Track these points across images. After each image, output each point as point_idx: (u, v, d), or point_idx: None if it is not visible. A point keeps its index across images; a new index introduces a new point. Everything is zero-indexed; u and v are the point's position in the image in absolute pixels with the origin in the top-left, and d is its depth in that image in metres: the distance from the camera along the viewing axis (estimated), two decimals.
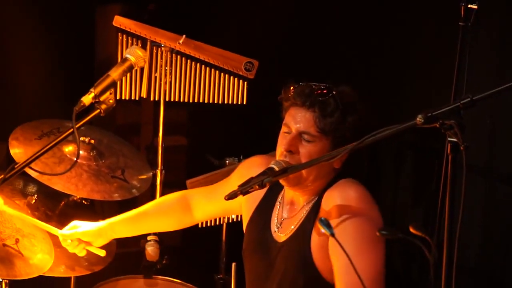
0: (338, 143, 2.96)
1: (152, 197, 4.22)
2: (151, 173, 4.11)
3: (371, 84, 4.70)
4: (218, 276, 4.28)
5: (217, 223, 4.19)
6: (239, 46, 4.04)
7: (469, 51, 3.84)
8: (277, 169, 2.92)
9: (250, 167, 3.22)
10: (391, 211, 4.99)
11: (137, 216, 3.44)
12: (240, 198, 3.14)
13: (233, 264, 3.29)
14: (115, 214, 5.20)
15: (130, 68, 2.76)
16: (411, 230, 2.33)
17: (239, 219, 4.08)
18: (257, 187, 2.88)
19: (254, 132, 4.62)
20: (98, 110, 2.66)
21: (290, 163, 2.96)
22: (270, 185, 2.90)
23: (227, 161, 4.18)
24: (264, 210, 3.20)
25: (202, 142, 5.09)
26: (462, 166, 2.47)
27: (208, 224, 4.15)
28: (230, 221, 4.19)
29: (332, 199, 2.95)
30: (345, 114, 2.96)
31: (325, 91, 2.98)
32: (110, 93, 2.68)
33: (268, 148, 3.59)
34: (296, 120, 2.99)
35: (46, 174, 3.32)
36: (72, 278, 3.86)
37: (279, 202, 3.18)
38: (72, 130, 2.61)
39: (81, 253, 3.37)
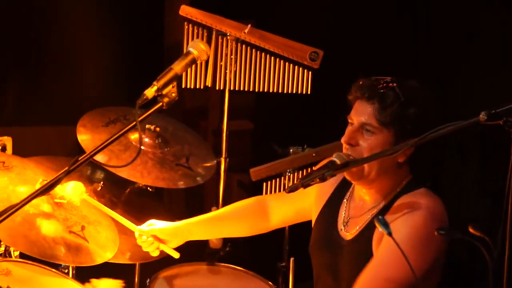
0: (400, 136, 2.93)
1: (217, 185, 4.26)
2: (215, 161, 4.14)
3: (440, 78, 4.65)
4: (281, 264, 4.29)
5: None
6: (304, 36, 4.03)
7: None
8: (338, 162, 2.92)
9: None
10: (457, 201, 4.95)
11: (214, 219, 3.47)
12: (311, 197, 3.19)
13: (291, 259, 3.29)
14: (181, 202, 5.29)
15: (193, 62, 2.77)
16: (471, 230, 2.31)
17: None
18: (318, 180, 2.87)
19: (318, 121, 4.61)
20: (161, 104, 2.68)
21: (351, 156, 2.95)
22: (330, 178, 2.89)
23: (291, 150, 4.18)
24: (332, 207, 3.19)
25: (267, 130, 5.10)
26: None
27: None
28: None
29: (403, 205, 2.92)
30: (406, 106, 2.93)
31: (385, 84, 2.96)
32: (173, 87, 2.69)
33: (332, 138, 3.60)
34: (358, 113, 2.98)
35: (109, 166, 3.35)
36: (137, 265, 3.92)
37: (347, 200, 3.16)
38: (134, 123, 2.64)
39: (155, 253, 3.39)
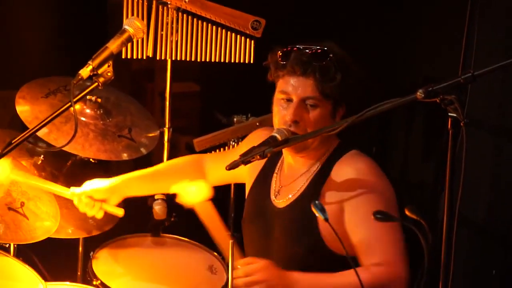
0: (338, 105, 3.02)
1: (161, 156, 4.23)
2: (159, 131, 4.10)
3: (377, 49, 4.65)
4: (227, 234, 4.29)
5: None
6: (246, 5, 3.98)
7: (480, 10, 3.78)
8: (279, 138, 2.92)
9: (259, 138, 3.20)
10: (401, 167, 4.99)
11: (150, 175, 3.48)
12: (245, 168, 3.15)
13: (230, 242, 3.30)
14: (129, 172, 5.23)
15: (129, 40, 2.74)
16: (407, 213, 2.32)
17: None
18: (258, 157, 2.89)
19: (261, 90, 4.57)
20: (96, 83, 2.65)
21: (292, 131, 2.96)
22: (271, 155, 2.90)
23: (235, 119, 4.16)
24: (263, 179, 3.23)
25: (210, 100, 5.07)
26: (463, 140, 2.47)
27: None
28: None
29: (344, 172, 2.98)
30: (346, 76, 2.98)
31: (322, 55, 2.98)
32: (108, 66, 2.66)
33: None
34: (297, 88, 2.99)
35: (47, 148, 3.29)
36: (81, 239, 3.88)
37: (277, 172, 3.20)
38: (69, 104, 2.60)
39: (99, 214, 3.35)
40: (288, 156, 3.12)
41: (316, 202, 2.29)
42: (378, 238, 2.87)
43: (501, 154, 4.27)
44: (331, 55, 2.97)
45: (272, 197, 3.15)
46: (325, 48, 2.98)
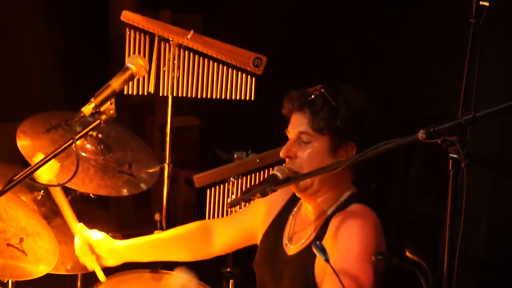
0: (337, 140, 2.95)
1: (161, 191, 4.22)
2: (159, 167, 4.10)
3: (380, 83, 4.67)
4: (225, 270, 4.27)
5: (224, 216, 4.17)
6: (248, 42, 4.01)
7: (480, 49, 3.79)
8: (280, 176, 2.92)
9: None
10: (401, 202, 5.00)
11: (155, 243, 3.47)
12: (259, 216, 3.22)
13: (231, 281, 3.33)
14: (129, 208, 5.25)
15: (131, 78, 2.74)
16: (407, 254, 2.31)
17: None
18: (259, 195, 2.87)
19: (261, 126, 4.60)
20: (98, 121, 2.65)
21: (292, 170, 2.95)
22: (271, 193, 2.89)
23: (235, 155, 4.15)
24: (279, 223, 3.18)
25: (210, 135, 5.08)
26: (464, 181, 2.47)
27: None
28: None
29: (337, 225, 2.90)
30: (337, 108, 2.93)
31: (313, 91, 2.97)
32: (111, 103, 2.66)
33: (275, 143, 3.58)
34: (293, 124, 3.00)
35: (48, 185, 3.28)
36: (79, 275, 3.87)
37: (293, 215, 3.16)
38: (72, 141, 2.60)
39: (91, 265, 3.38)
40: (304, 202, 3.10)
41: (317, 243, 2.28)
42: None
43: (500, 191, 4.29)
44: (322, 90, 2.95)
45: (285, 241, 3.11)
46: (320, 85, 2.97)
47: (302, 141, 2.97)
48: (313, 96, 2.95)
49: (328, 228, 2.92)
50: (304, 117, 2.95)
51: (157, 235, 3.48)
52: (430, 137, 2.50)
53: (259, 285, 3.20)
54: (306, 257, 2.94)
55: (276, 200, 3.19)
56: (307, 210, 3.08)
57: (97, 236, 3.39)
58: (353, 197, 3.01)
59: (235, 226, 3.39)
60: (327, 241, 2.88)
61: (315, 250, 2.28)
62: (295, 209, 3.16)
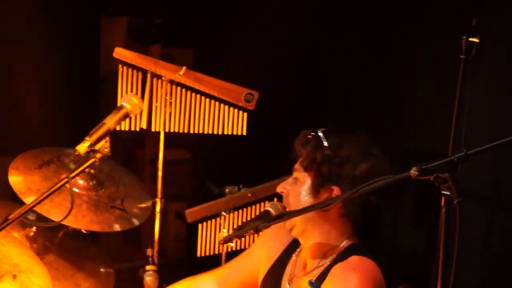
0: (318, 180, 2.94)
1: (152, 226, 4.22)
2: (151, 202, 4.11)
3: (371, 118, 4.70)
4: None
5: (216, 252, 4.18)
6: (239, 77, 4.03)
7: (470, 85, 3.83)
8: (273, 213, 2.93)
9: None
10: (392, 237, 5.00)
11: None
12: (261, 258, 3.19)
13: None
14: (119, 243, 5.23)
15: (126, 116, 2.76)
16: None
17: (238, 248, 4.10)
18: (252, 231, 2.87)
19: (253, 161, 4.62)
20: (93, 160, 2.66)
21: (286, 206, 2.97)
22: (264, 229, 2.89)
23: (226, 190, 4.17)
24: (280, 265, 3.15)
25: (201, 169, 5.10)
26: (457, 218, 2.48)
27: (207, 254, 4.14)
28: (229, 250, 4.18)
29: (338, 275, 2.87)
30: (324, 149, 2.93)
31: (314, 131, 2.99)
32: (106, 142, 2.68)
33: (267, 177, 3.60)
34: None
35: (42, 224, 3.28)
36: None
37: (295, 258, 3.13)
38: (66, 180, 2.61)
39: None
40: (304, 248, 3.08)
41: (312, 281, 2.28)
42: None
43: (493, 226, 4.30)
44: (321, 131, 2.96)
45: (284, 284, 3.08)
46: (323, 128, 2.98)
47: (295, 178, 3.00)
48: (310, 136, 2.96)
49: (327, 279, 2.89)
50: (300, 155, 2.98)
51: None
52: (422, 174, 2.51)
53: None
54: None
55: (279, 241, 3.16)
56: (307, 255, 3.06)
57: None
58: (353, 248, 2.96)
59: (236, 272, 3.31)
60: None
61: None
62: (297, 251, 3.13)
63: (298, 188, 2.97)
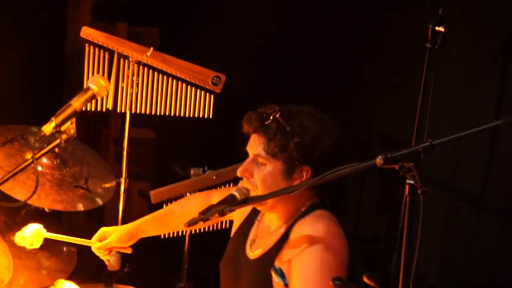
0: (290, 163, 3.00)
1: (117, 205, 4.22)
2: (115, 182, 4.10)
3: (336, 104, 4.72)
4: (180, 284, 4.29)
5: (180, 234, 4.19)
6: (207, 60, 4.03)
7: (436, 73, 3.87)
8: (238, 197, 2.95)
9: None
10: (355, 220, 5.04)
11: (164, 216, 3.56)
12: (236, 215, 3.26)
13: None
14: (81, 222, 5.22)
15: (93, 98, 2.76)
16: (365, 280, 2.35)
17: (202, 231, 4.12)
18: (217, 215, 2.90)
19: (219, 144, 4.63)
20: (59, 140, 2.66)
21: (250, 188, 2.99)
22: (229, 213, 2.92)
23: (192, 171, 4.17)
24: (245, 227, 3.25)
25: (166, 149, 5.08)
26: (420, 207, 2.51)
27: (171, 235, 4.15)
28: (193, 232, 4.20)
29: (301, 231, 2.97)
30: (290, 135, 2.97)
31: (268, 115, 3.00)
32: (71, 123, 2.67)
33: (231, 160, 3.61)
34: (250, 145, 3.06)
35: (8, 204, 3.27)
36: None
37: (258, 220, 3.23)
38: (31, 160, 2.60)
39: (107, 257, 3.50)
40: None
41: (276, 267, 2.29)
42: None
43: (452, 213, 4.36)
44: (277, 116, 2.99)
45: (247, 246, 3.17)
46: (275, 109, 3.00)
47: (258, 162, 3.02)
48: (268, 122, 2.98)
49: (291, 234, 2.99)
50: (260, 141, 3.00)
51: (164, 209, 3.61)
52: (387, 163, 2.55)
53: (222, 286, 3.25)
54: (265, 264, 3.00)
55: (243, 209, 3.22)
56: (269, 219, 3.14)
57: (112, 236, 3.47)
58: (314, 205, 3.06)
59: None
60: (288, 245, 2.97)
61: (274, 275, 2.30)
62: (260, 214, 3.22)
63: (267, 173, 3.01)
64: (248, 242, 3.18)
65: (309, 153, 2.98)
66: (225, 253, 3.29)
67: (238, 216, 3.32)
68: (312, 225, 2.97)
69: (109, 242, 3.46)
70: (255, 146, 3.02)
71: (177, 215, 3.51)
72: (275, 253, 3.01)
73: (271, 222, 3.13)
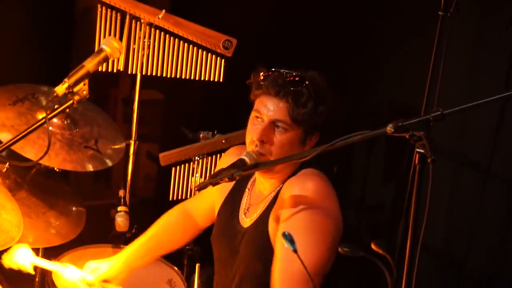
0: (309, 132, 3.01)
1: (125, 167, 4.24)
2: (125, 144, 4.12)
3: (347, 72, 4.72)
4: (186, 247, 4.32)
5: (188, 196, 4.21)
6: (218, 24, 4.02)
7: (447, 42, 3.86)
8: (248, 162, 2.95)
9: (230, 158, 3.22)
10: (361, 188, 5.06)
11: (149, 244, 3.49)
12: (215, 193, 3.25)
13: (197, 265, 3.37)
14: (89, 182, 5.24)
15: (106, 59, 2.76)
16: (373, 247, 2.36)
17: None
18: (226, 179, 2.90)
19: (228, 108, 4.63)
20: (71, 101, 2.67)
21: (261, 155, 2.99)
22: (239, 178, 2.92)
23: (201, 135, 4.19)
24: (234, 197, 3.25)
25: (177, 115, 5.09)
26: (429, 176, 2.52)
27: (179, 197, 4.17)
28: None
29: (290, 189, 2.97)
30: (317, 104, 2.97)
31: (298, 81, 2.97)
32: (84, 84, 2.68)
33: (240, 124, 3.62)
34: (269, 109, 2.98)
35: (17, 164, 3.28)
36: (41, 248, 3.88)
37: (249, 189, 3.23)
38: (44, 121, 2.61)
39: None
40: (259, 177, 3.16)
41: (286, 233, 2.31)
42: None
43: (458, 182, 4.37)
44: (307, 83, 2.97)
45: (241, 215, 3.18)
46: (303, 76, 2.98)
47: (277, 126, 2.99)
48: (297, 87, 2.96)
49: (279, 194, 3.00)
50: (286, 106, 2.96)
51: (146, 236, 3.50)
52: (398, 131, 2.55)
53: (217, 259, 3.27)
54: (260, 225, 3.03)
55: None
56: (262, 186, 3.14)
57: (100, 271, 3.45)
58: (303, 165, 3.04)
59: (202, 201, 3.49)
60: (278, 204, 2.99)
61: (283, 241, 2.31)
62: (250, 183, 3.23)
63: (286, 139, 2.99)
64: (242, 212, 3.19)
65: (325, 120, 3.00)
66: (214, 227, 3.30)
67: (218, 193, 3.32)
68: (300, 185, 2.96)
69: (99, 277, 3.42)
70: (277, 111, 2.97)
71: (163, 240, 3.50)
72: (268, 213, 3.03)
73: (264, 187, 3.13)
